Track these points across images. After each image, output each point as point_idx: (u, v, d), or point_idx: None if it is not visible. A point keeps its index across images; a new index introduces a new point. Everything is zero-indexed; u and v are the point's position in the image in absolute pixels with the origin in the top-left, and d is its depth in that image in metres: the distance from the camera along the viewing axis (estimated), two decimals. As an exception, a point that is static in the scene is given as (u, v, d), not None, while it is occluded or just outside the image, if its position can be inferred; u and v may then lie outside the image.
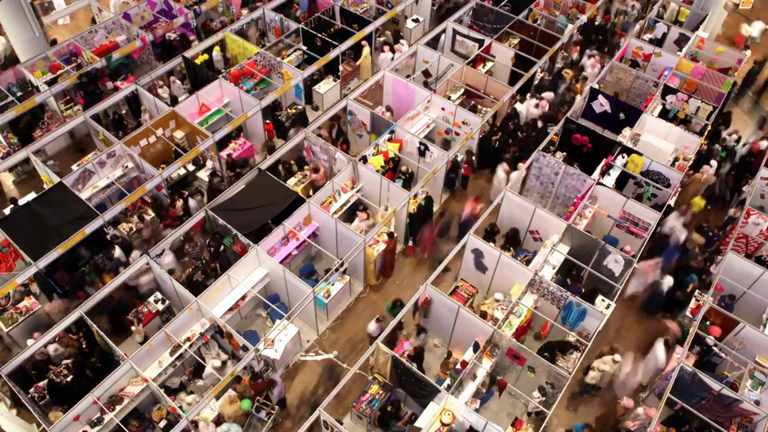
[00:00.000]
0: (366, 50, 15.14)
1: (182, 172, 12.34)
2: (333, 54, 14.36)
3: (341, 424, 8.14)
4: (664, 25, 16.08)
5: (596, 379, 9.73)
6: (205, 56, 14.52)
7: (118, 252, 10.75)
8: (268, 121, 13.32)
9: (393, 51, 15.35)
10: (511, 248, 11.29)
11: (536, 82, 14.57)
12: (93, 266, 10.78)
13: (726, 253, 10.55)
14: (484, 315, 9.90)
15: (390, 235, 10.93)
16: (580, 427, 9.02)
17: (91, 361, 9.48)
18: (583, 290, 10.17)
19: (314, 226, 11.12)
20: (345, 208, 11.54)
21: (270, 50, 14.68)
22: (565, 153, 12.78)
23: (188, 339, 9.50)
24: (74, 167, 11.94)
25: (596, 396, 10.22)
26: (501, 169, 12.25)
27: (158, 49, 15.20)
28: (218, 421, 8.81)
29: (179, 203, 11.64)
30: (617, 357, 9.59)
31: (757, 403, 8.95)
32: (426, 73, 14.54)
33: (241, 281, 10.05)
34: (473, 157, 13.10)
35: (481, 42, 14.87)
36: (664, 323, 10.56)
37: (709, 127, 13.00)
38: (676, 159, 12.27)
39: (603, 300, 9.80)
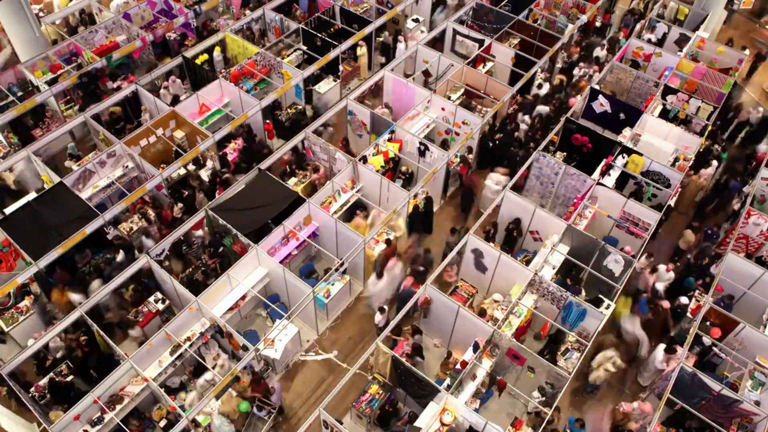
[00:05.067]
0: (362, 49, 15.12)
1: (182, 172, 12.33)
2: (333, 54, 14.36)
3: (341, 423, 8.14)
4: (665, 25, 16.08)
5: (600, 379, 9.70)
6: (206, 56, 14.53)
7: (120, 256, 10.72)
8: (268, 121, 13.32)
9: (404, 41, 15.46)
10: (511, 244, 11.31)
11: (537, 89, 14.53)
12: (94, 266, 10.78)
13: (726, 254, 10.55)
14: (483, 314, 9.88)
15: (388, 242, 10.93)
16: (573, 420, 9.02)
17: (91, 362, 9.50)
18: (584, 292, 10.18)
19: (314, 226, 11.12)
20: (345, 208, 11.55)
21: (270, 50, 14.69)
22: (565, 153, 12.79)
23: (188, 339, 9.51)
24: (74, 167, 11.95)
25: (597, 396, 10.21)
26: (492, 180, 12.20)
27: (158, 49, 15.21)
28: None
29: (177, 207, 11.62)
30: (609, 353, 9.57)
31: (757, 403, 8.95)
32: (426, 73, 14.54)
33: (241, 281, 10.06)
34: (470, 155, 13.10)
35: (481, 42, 14.87)
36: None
37: (710, 127, 13.01)
38: (676, 159, 12.27)
39: (603, 300, 9.80)
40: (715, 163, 12.88)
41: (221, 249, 10.91)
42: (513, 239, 11.36)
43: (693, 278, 10.95)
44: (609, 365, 9.57)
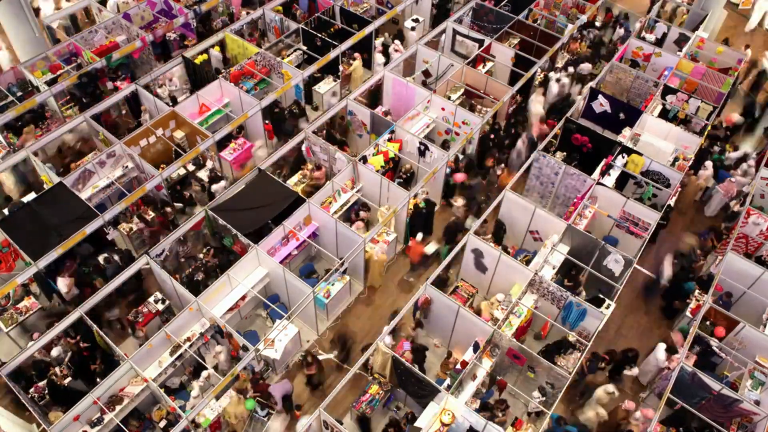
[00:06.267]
0: (356, 63, 15.01)
1: (182, 172, 12.34)
2: (333, 54, 14.36)
3: (341, 424, 8.14)
4: (664, 25, 16.09)
5: (590, 422, 9.33)
6: (205, 56, 14.53)
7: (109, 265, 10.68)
8: (267, 122, 13.33)
9: (386, 54, 15.42)
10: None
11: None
12: (94, 267, 10.77)
13: (726, 253, 10.55)
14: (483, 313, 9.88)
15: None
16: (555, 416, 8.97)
17: (91, 365, 9.49)
18: (584, 292, 10.18)
19: (314, 226, 11.12)
20: (345, 208, 11.55)
21: (270, 50, 14.68)
22: (565, 153, 12.79)
23: (188, 339, 9.50)
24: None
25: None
26: (459, 199, 12.07)
27: (158, 49, 15.21)
28: (218, 422, 8.85)
29: (149, 217, 11.57)
30: (610, 388, 9.25)
31: (757, 403, 8.96)
32: (426, 73, 14.54)
33: (241, 281, 10.05)
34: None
35: (481, 42, 14.87)
36: (668, 333, 10.60)
37: (709, 128, 13.03)
38: (676, 159, 12.28)
39: (603, 300, 9.81)
40: (709, 163, 12.89)
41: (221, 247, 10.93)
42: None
43: (692, 283, 10.97)
44: (601, 409, 9.27)
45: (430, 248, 11.48)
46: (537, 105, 14.02)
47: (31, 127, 12.80)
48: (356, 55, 15.06)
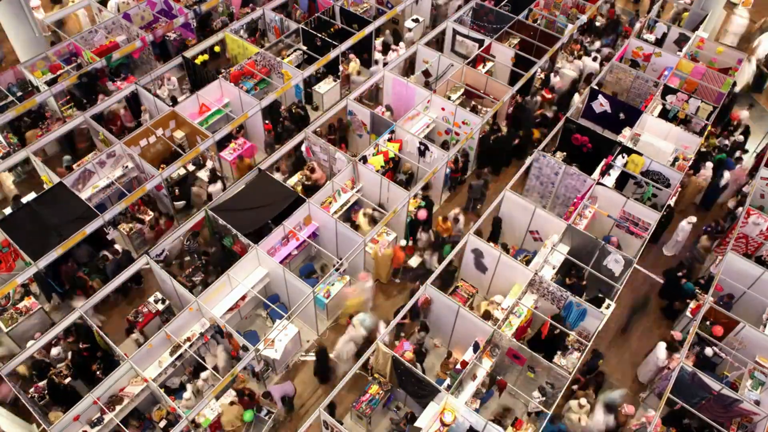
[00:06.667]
0: (353, 64, 15.04)
1: (182, 172, 12.34)
2: (333, 54, 14.37)
3: (341, 424, 8.14)
4: (664, 25, 16.09)
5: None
6: (205, 56, 14.54)
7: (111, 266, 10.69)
8: (267, 122, 13.33)
9: (385, 53, 15.45)
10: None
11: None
12: (93, 267, 10.77)
13: (726, 253, 10.55)
14: (487, 315, 9.86)
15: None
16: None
17: (92, 366, 9.49)
18: (585, 286, 10.17)
19: (314, 226, 11.12)
20: (345, 208, 11.55)
21: (270, 50, 14.69)
22: (565, 153, 12.79)
23: (188, 339, 9.50)
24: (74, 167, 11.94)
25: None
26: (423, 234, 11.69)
27: (158, 49, 15.21)
28: (218, 422, 8.85)
29: (148, 217, 11.59)
30: (583, 401, 9.10)
31: (757, 403, 8.95)
32: (426, 73, 14.54)
33: (241, 281, 10.06)
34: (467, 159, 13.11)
35: (481, 42, 14.87)
36: (668, 333, 10.58)
37: (710, 128, 13.02)
38: (676, 159, 12.28)
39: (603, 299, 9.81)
40: (709, 164, 12.89)
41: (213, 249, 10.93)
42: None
43: (692, 284, 10.98)
44: (573, 414, 9.13)
45: (414, 261, 11.46)
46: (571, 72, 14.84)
47: (33, 131, 12.82)
48: (351, 56, 15.08)
